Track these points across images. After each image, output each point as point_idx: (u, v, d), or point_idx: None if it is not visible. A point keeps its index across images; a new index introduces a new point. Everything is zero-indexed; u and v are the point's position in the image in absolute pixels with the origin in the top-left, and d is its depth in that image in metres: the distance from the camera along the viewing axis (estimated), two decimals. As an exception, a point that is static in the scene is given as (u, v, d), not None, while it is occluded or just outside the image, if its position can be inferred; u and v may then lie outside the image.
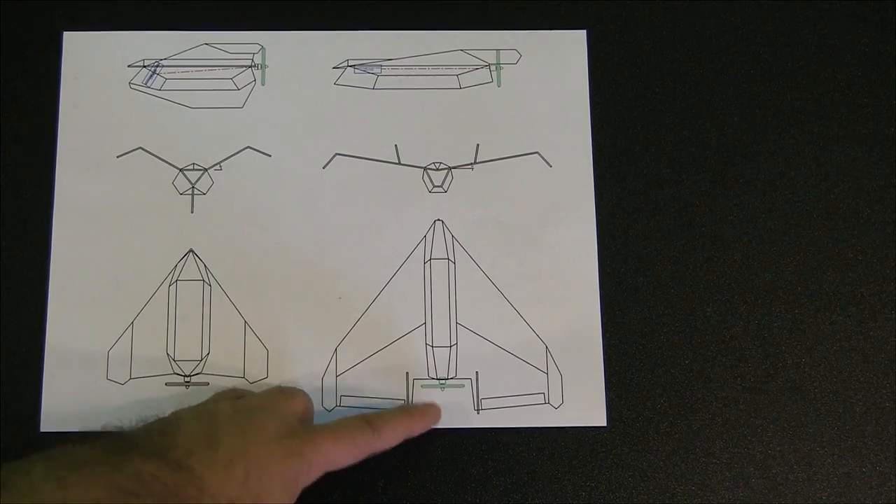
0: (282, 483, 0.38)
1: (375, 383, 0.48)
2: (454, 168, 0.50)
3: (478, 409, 0.48)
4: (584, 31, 0.52)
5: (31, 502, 0.32)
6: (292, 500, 0.39)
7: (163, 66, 0.51)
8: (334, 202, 0.50)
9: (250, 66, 0.52)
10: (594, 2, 0.53)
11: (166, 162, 0.50)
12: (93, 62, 0.51)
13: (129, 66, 0.51)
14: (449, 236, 0.50)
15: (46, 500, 0.32)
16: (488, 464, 0.47)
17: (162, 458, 0.35)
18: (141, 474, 0.34)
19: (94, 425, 0.46)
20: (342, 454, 0.41)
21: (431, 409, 0.46)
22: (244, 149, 0.50)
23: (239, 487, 0.36)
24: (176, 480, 0.35)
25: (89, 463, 0.34)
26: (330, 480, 0.47)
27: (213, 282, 0.49)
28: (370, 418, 0.42)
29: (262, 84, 0.51)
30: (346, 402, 0.47)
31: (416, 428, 0.45)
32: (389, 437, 0.43)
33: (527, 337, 0.48)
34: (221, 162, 0.50)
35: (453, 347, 0.48)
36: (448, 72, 0.52)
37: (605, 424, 0.47)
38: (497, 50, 0.52)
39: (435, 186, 0.50)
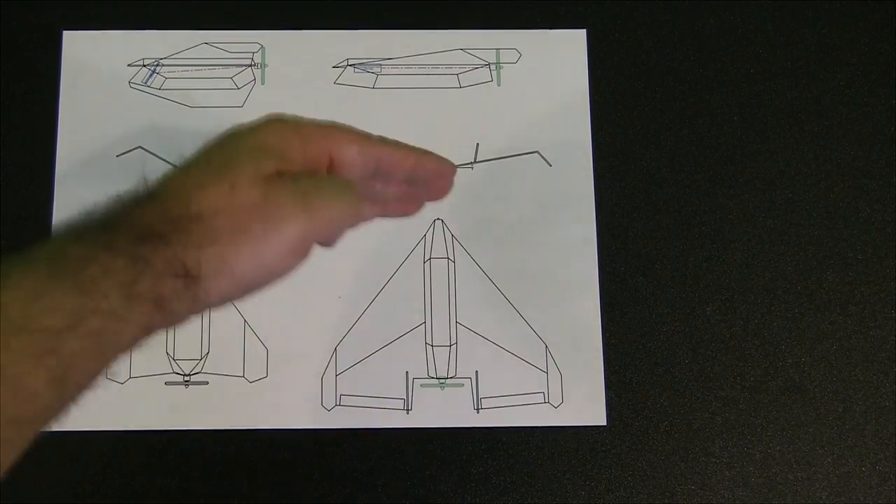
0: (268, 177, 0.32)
1: (375, 383, 0.48)
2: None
3: (478, 409, 0.48)
4: (584, 31, 0.52)
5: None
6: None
7: (163, 65, 0.51)
8: (334, 202, 0.50)
9: (250, 66, 0.52)
10: (594, 2, 0.53)
11: (166, 161, 0.50)
12: (93, 62, 0.51)
13: (129, 65, 0.51)
14: (449, 235, 0.50)
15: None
16: (488, 463, 0.47)
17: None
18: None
19: (94, 424, 0.46)
20: (346, 137, 0.36)
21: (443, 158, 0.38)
22: (244, 148, 0.50)
23: (225, 197, 0.32)
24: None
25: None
26: (330, 478, 0.47)
27: (212, 281, 0.49)
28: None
29: (262, 83, 0.51)
30: (345, 401, 0.47)
31: (426, 159, 0.37)
32: (394, 148, 0.36)
33: (526, 336, 0.48)
34: (221, 161, 0.50)
35: (453, 347, 0.48)
36: (448, 71, 0.52)
37: (604, 423, 0.47)
38: (497, 49, 0.52)
39: (435, 186, 0.50)
